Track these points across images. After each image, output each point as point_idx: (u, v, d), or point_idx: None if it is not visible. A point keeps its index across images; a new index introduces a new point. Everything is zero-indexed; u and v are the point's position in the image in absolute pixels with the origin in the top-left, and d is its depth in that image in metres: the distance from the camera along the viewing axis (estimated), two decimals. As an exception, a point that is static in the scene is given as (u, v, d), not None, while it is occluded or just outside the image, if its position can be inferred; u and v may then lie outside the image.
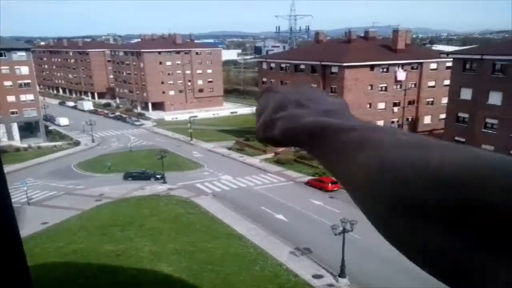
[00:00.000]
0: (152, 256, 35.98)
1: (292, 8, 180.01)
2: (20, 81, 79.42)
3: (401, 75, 62.17)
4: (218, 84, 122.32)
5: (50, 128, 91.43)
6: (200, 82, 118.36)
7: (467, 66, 47.31)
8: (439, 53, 63.72)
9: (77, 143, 80.00)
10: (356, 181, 0.53)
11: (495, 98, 43.64)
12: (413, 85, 64.30)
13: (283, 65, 70.09)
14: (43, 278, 30.70)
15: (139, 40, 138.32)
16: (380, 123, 61.58)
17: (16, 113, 78.93)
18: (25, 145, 75.99)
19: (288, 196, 48.85)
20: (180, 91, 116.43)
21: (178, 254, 36.04)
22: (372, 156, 0.49)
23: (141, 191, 52.62)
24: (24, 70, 79.72)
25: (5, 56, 77.40)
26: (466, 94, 47.02)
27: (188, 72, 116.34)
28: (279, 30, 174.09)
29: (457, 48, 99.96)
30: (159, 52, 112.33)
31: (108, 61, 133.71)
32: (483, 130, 44.47)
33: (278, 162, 63.07)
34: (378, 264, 33.16)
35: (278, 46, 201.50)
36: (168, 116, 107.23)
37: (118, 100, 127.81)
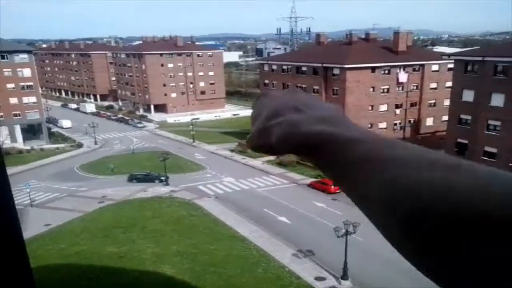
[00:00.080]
0: (154, 258, 36.03)
1: (293, 10, 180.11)
2: (22, 83, 79.65)
3: (402, 77, 62.19)
4: (220, 86, 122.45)
5: (52, 130, 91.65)
6: (202, 84, 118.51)
7: (469, 68, 47.33)
8: (441, 55, 63.71)
9: (79, 145, 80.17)
10: (367, 195, 0.54)
11: (497, 100, 43.62)
12: (415, 87, 64.32)
13: (284, 67, 70.17)
14: (46, 279, 30.77)
15: (141, 42, 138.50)
16: (383, 125, 61.80)
17: (19, 115, 79.18)
18: (28, 147, 76.17)
19: (291, 198, 48.89)
20: (182, 93, 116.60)
21: (181, 256, 36.09)
22: (386, 172, 0.49)
23: (144, 193, 52.70)
24: (27, 72, 79.95)
25: (7, 58, 77.67)
26: (468, 96, 47.01)
27: (190, 74, 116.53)
28: (280, 32, 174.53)
29: (458, 49, 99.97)
30: (161, 54, 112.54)
31: (110, 63, 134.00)
32: (485, 132, 44.42)
33: (280, 164, 63.10)
34: (381, 266, 33.16)
35: (279, 48, 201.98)
36: (170, 118, 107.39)
37: (120, 102, 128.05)
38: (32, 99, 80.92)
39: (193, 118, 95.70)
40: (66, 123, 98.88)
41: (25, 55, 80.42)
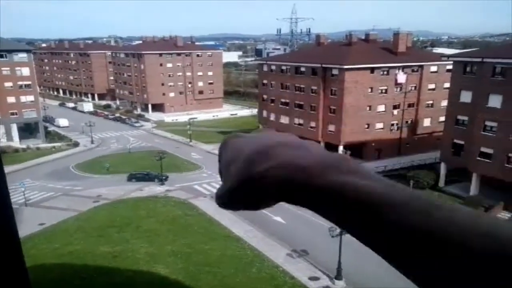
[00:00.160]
0: (148, 257, 35.84)
1: (293, 11, 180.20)
2: (20, 82, 79.42)
3: (401, 77, 62.03)
4: (219, 86, 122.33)
5: (49, 129, 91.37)
6: (200, 84, 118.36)
7: (468, 69, 47.21)
8: (440, 56, 63.55)
9: (76, 144, 79.92)
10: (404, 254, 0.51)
11: (494, 101, 43.47)
12: (413, 88, 64.16)
13: (283, 68, 69.97)
14: (39, 279, 30.47)
15: (140, 42, 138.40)
16: (380, 125, 61.64)
17: (16, 114, 78.92)
18: (24, 146, 75.95)
19: (286, 198, 48.67)
20: (181, 93, 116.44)
21: (175, 256, 35.89)
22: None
23: (139, 192, 52.49)
24: (25, 71, 79.74)
25: (6, 57, 77.46)
26: (466, 97, 46.89)
27: (188, 74, 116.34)
28: (280, 32, 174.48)
29: (457, 51, 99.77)
30: (160, 54, 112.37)
31: (109, 62, 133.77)
32: (482, 132, 44.26)
33: (277, 164, 62.85)
34: (375, 266, 32.89)
35: (279, 49, 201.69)
36: (168, 117, 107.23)
37: (118, 102, 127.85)
38: (30, 98, 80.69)
39: (191, 117, 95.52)
40: (63, 122, 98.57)
41: (24, 54, 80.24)
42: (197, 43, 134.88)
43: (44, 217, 44.81)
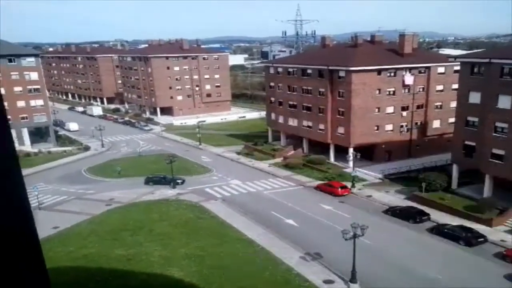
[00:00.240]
0: (162, 260, 36.12)
1: (298, 13, 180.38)
2: (29, 87, 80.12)
3: (409, 79, 62.03)
4: (226, 89, 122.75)
5: (60, 133, 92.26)
6: (208, 87, 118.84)
7: (475, 70, 47.06)
8: (447, 57, 63.48)
9: (87, 148, 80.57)
10: None
11: (504, 102, 43.31)
12: (421, 89, 64.14)
13: (290, 70, 70.18)
14: (54, 282, 30.87)
15: (146, 45, 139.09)
16: (389, 127, 61.70)
17: (26, 118, 79.60)
18: (36, 150, 76.65)
19: (298, 201, 48.92)
20: (188, 96, 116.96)
21: (188, 259, 36.15)
22: None
23: (151, 196, 52.87)
24: (34, 75, 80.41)
25: (14, 62, 78.12)
26: (475, 98, 46.79)
27: (195, 77, 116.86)
28: (285, 35, 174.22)
29: (464, 52, 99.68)
30: (167, 58, 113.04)
31: (116, 66, 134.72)
32: (493, 134, 44.17)
33: (287, 166, 63.12)
34: (388, 269, 33.13)
35: (284, 51, 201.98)
36: (176, 121, 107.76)
37: (127, 105, 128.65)
38: (39, 102, 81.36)
39: (200, 120, 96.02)
40: (73, 126, 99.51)
41: (32, 59, 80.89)
42: (203, 46, 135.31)
43: (58, 221, 45.33)
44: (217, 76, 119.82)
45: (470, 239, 37.05)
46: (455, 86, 55.00)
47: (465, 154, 48.41)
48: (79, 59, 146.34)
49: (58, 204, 51.45)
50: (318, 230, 41.03)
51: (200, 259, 36.14)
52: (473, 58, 49.33)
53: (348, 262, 30.88)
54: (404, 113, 63.17)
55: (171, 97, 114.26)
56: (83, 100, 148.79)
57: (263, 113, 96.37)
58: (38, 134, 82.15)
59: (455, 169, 50.72)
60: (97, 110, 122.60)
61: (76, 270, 35.24)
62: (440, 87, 65.03)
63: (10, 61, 77.62)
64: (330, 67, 61.29)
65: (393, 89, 61.79)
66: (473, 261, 34.40)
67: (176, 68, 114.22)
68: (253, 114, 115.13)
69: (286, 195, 51.46)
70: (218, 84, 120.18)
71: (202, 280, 32.63)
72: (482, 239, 37.24)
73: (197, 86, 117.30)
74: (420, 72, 63.50)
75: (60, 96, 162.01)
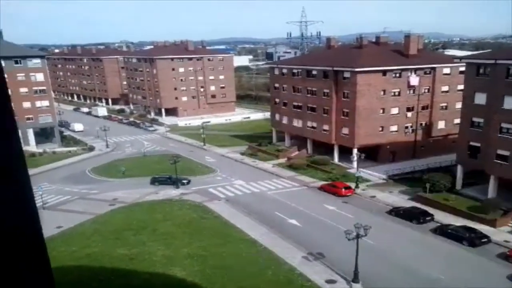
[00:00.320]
0: (165, 260, 36.11)
1: (303, 15, 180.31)
2: (35, 88, 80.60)
3: (414, 80, 61.80)
4: (231, 90, 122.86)
5: (65, 133, 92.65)
6: (212, 88, 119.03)
7: (481, 71, 46.80)
8: (452, 58, 63.20)
9: (91, 149, 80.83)
10: None
11: (510, 103, 43.04)
12: (426, 90, 63.86)
13: (295, 71, 70.10)
14: (58, 281, 30.70)
15: (152, 47, 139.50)
16: (394, 128, 61.49)
17: (32, 119, 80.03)
18: (41, 150, 77.00)
19: (301, 201, 48.80)
20: (193, 97, 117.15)
21: (191, 259, 36.13)
22: None
23: (155, 196, 52.92)
24: (39, 77, 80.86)
25: (20, 63, 78.62)
26: (480, 98, 46.52)
27: (200, 78, 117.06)
28: (290, 36, 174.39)
29: (469, 52, 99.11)
30: (172, 59, 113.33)
31: (122, 67, 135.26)
32: (498, 135, 43.87)
33: (291, 167, 63.03)
34: (391, 270, 32.96)
35: (289, 52, 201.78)
36: (181, 121, 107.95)
37: (131, 106, 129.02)
38: (45, 103, 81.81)
39: (204, 121, 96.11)
40: (78, 126, 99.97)
41: (38, 60, 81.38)
42: (207, 48, 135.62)
43: (62, 220, 45.47)
44: (221, 77, 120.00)
45: (473, 239, 36.84)
46: (461, 87, 54.79)
47: (470, 155, 48.14)
48: (85, 60, 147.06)
49: (62, 204, 51.61)
50: (321, 230, 40.91)
51: (203, 259, 36.10)
52: (478, 59, 49.07)
53: (351, 262, 30.74)
54: (409, 114, 62.93)
55: (176, 98, 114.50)
56: (88, 101, 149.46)
57: (267, 114, 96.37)
58: (43, 135, 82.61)
59: (459, 170, 50.45)
60: (102, 111, 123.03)
61: (80, 270, 35.31)
62: (445, 88, 64.73)
63: (16, 62, 78.12)
64: (335, 68, 61.18)
65: (398, 90, 61.56)
66: (476, 262, 34.18)
67: (181, 69, 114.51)
68: (258, 115, 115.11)
69: (289, 196, 51.36)
70: (223, 85, 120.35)
71: (204, 280, 32.59)
72: (485, 240, 37.03)
73: (201, 87, 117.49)
74: (425, 73, 63.24)
75: (66, 97, 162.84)
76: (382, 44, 68.73)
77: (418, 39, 66.42)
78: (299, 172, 60.93)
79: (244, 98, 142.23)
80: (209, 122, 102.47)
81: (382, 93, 60.28)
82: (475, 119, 47.57)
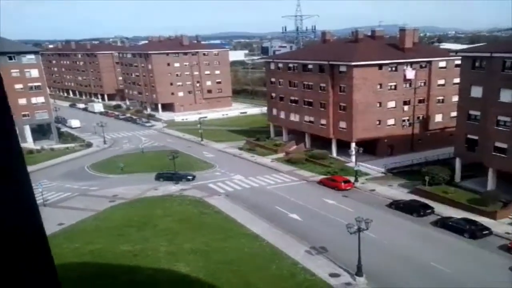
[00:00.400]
0: (168, 256, 36.33)
1: (298, 9, 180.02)
2: (30, 84, 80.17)
3: (410, 73, 62.13)
4: (227, 85, 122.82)
5: (62, 130, 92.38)
6: (208, 83, 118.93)
7: (477, 64, 47.13)
8: (448, 52, 63.55)
9: (89, 145, 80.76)
10: None
11: (506, 96, 43.44)
12: (422, 84, 64.25)
13: (290, 65, 70.24)
14: (62, 278, 30.80)
15: (146, 42, 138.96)
16: (391, 121, 61.85)
17: (28, 115, 79.69)
18: (38, 147, 76.83)
19: (301, 196, 49.14)
20: (189, 92, 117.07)
21: (195, 254, 36.36)
22: None
23: (155, 192, 53.09)
24: (34, 73, 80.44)
25: (15, 59, 78.17)
26: (476, 92, 46.88)
27: (196, 73, 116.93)
28: (285, 30, 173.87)
29: (465, 46, 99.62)
30: (167, 54, 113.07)
31: (117, 63, 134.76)
32: (495, 127, 44.30)
33: (289, 161, 63.33)
34: (394, 262, 33.39)
35: (285, 46, 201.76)
36: (178, 117, 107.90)
37: (128, 102, 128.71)
38: (40, 99, 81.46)
39: (201, 116, 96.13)
40: (75, 122, 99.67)
41: (32, 56, 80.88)
42: (202, 42, 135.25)
43: (63, 217, 45.54)
44: (217, 72, 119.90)
45: (474, 231, 37.26)
46: (457, 80, 55.13)
47: (467, 148, 48.59)
48: (79, 56, 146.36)
49: (62, 200, 51.69)
50: (322, 224, 41.27)
51: (206, 254, 36.34)
52: (474, 52, 49.40)
53: (353, 256, 31.13)
54: (406, 108, 63.33)
55: (172, 93, 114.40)
56: (84, 97, 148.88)
57: (264, 109, 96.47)
58: (40, 131, 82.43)
59: (458, 163, 50.90)
60: (98, 106, 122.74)
61: (83, 266, 35.44)
62: (441, 81, 65.15)
63: (10, 58, 77.71)
64: (331, 62, 61.38)
65: (394, 83, 61.90)
66: (477, 254, 34.65)
67: (177, 65, 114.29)
68: (254, 110, 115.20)
69: (289, 190, 51.68)
70: (219, 80, 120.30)
71: (209, 275, 32.83)
72: (486, 232, 37.45)
73: (197, 82, 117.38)
74: (421, 67, 63.63)
75: (61, 93, 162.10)
76: (378, 38, 68.90)
77: (413, 33, 66.72)
78: (297, 166, 61.25)
79: (240, 93, 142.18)
80: (206, 117, 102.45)
81: (378, 86, 60.60)
82: (472, 112, 47.95)
